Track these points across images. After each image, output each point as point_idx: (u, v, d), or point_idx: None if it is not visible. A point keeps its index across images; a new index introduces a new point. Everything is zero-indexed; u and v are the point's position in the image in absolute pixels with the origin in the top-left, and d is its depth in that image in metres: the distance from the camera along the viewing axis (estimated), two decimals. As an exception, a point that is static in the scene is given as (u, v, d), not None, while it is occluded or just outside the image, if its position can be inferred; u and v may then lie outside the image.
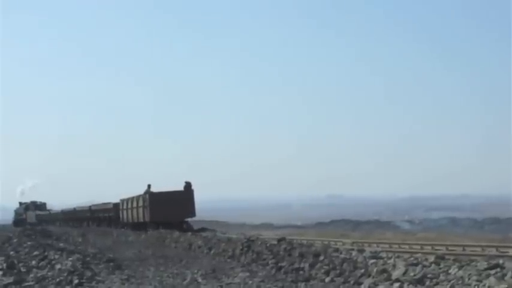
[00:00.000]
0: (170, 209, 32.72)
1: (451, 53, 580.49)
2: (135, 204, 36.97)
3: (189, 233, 27.56)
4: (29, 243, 21.04)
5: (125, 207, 39.57)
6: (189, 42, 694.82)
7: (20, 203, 67.68)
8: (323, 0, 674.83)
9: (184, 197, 33.60)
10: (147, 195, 34.69)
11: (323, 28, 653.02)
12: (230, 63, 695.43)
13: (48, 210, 64.14)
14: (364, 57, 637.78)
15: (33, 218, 60.21)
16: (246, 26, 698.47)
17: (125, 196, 40.01)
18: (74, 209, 55.56)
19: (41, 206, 65.64)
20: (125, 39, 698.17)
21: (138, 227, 35.39)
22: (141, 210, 35.56)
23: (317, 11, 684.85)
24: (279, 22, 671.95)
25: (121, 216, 40.28)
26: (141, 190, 36.00)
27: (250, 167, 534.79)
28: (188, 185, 34.19)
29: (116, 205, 42.42)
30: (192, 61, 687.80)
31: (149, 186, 35.16)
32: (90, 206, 50.54)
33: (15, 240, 22.98)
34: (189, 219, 34.85)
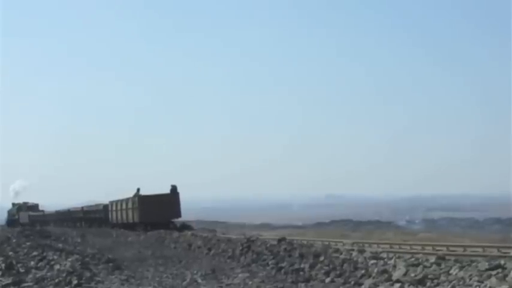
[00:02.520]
0: (158, 210, 35.12)
1: (447, 53, 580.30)
2: (124, 206, 39.28)
3: (189, 233, 27.85)
4: (27, 243, 20.98)
5: (113, 208, 41.80)
6: (179, 42, 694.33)
7: (13, 204, 69.16)
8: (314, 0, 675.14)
9: (171, 200, 35.95)
10: (137, 198, 37.02)
11: (315, 27, 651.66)
12: (222, 63, 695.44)
13: (42, 210, 65.22)
14: (358, 56, 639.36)
15: (26, 219, 61.63)
16: (236, 25, 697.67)
17: (118, 197, 41.70)
18: (68, 209, 56.96)
19: (34, 207, 67.11)
20: (117, 40, 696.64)
21: (127, 226, 37.51)
22: (130, 211, 37.92)
23: (308, 10, 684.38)
24: (270, 21, 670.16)
25: (110, 217, 42.32)
26: (137, 189, 37.69)
27: (249, 167, 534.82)
28: (174, 188, 36.46)
29: (105, 206, 44.54)
30: (183, 61, 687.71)
31: (138, 189, 37.52)
32: (82, 207, 52.22)
33: (14, 241, 22.92)
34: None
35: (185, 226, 35.32)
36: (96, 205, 48.55)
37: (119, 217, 40.24)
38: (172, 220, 36.00)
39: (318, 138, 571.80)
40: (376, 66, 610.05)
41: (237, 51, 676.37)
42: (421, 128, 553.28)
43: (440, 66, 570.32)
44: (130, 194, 38.99)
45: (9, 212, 68.74)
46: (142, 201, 36.46)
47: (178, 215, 36.36)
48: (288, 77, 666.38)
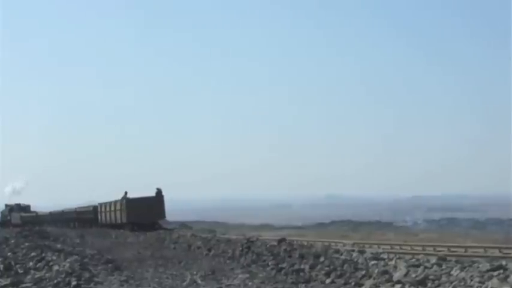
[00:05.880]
0: (143, 212, 37.82)
1: (448, 53, 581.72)
2: (113, 208, 41.76)
3: (189, 234, 28.06)
4: (26, 244, 20.87)
5: (102, 210, 44.27)
6: (174, 43, 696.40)
7: (6, 205, 71.00)
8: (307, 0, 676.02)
9: (156, 202, 38.62)
10: (124, 201, 39.61)
11: (307, 28, 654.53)
12: (217, 62, 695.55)
13: (35, 211, 66.34)
14: (359, 56, 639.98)
15: (18, 219, 63.04)
16: (232, 25, 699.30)
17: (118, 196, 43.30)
18: (62, 211, 58.38)
19: (26, 208, 68.59)
20: (117, 40, 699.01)
21: (115, 227, 39.84)
22: (118, 213, 40.45)
23: (303, 10, 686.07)
24: (262, 21, 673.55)
25: (99, 218, 44.74)
26: (124, 192, 40.62)
27: (249, 167, 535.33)
28: (159, 191, 38.99)
29: (94, 208, 47.04)
30: (175, 61, 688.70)
31: (126, 193, 40.22)
32: (75, 208, 53.98)
33: (12, 241, 22.83)
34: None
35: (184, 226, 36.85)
36: (87, 206, 50.74)
37: (108, 218, 42.75)
38: (157, 221, 38.79)
39: (318, 138, 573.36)
40: (377, 67, 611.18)
41: (229, 50, 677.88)
42: (422, 128, 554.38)
43: (438, 66, 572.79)
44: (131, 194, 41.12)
45: (2, 212, 70.29)
46: (129, 204, 39.07)
47: (163, 216, 39.32)
48: (288, 76, 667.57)
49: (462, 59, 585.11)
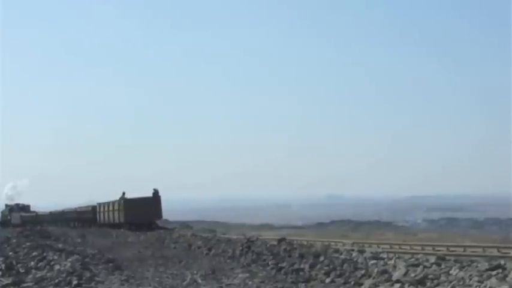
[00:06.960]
0: (141, 212, 38.71)
1: (447, 53, 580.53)
2: (111, 208, 42.64)
3: (189, 234, 28.17)
4: (27, 243, 20.94)
5: (101, 210, 45.27)
6: (181, 43, 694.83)
7: (6, 205, 71.16)
8: (314, 0, 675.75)
9: (153, 202, 39.51)
10: (122, 201, 40.51)
11: (315, 28, 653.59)
12: (222, 62, 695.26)
13: (34, 211, 66.62)
14: (359, 56, 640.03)
15: (18, 219, 63.50)
16: (237, 25, 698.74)
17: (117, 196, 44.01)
18: (62, 210, 58.97)
19: (25, 208, 69.09)
20: (117, 40, 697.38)
21: (113, 226, 40.66)
22: (116, 213, 41.34)
23: (308, 11, 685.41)
24: (270, 21, 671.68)
25: (98, 217, 45.67)
26: (122, 193, 41.30)
27: (249, 167, 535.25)
28: (156, 192, 39.95)
29: (93, 208, 47.99)
30: (183, 61, 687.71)
31: (124, 193, 41.05)
32: (75, 208, 54.76)
33: (14, 241, 22.90)
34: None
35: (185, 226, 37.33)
36: (87, 206, 51.51)
37: (106, 218, 43.56)
38: (154, 221, 39.50)
39: (318, 138, 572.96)
40: (376, 66, 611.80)
41: (237, 51, 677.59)
42: (421, 128, 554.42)
43: (440, 66, 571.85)
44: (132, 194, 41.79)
45: (2, 212, 70.73)
46: (127, 204, 39.88)
47: (160, 216, 40.13)
48: (288, 77, 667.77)
49: (469, 59, 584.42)
